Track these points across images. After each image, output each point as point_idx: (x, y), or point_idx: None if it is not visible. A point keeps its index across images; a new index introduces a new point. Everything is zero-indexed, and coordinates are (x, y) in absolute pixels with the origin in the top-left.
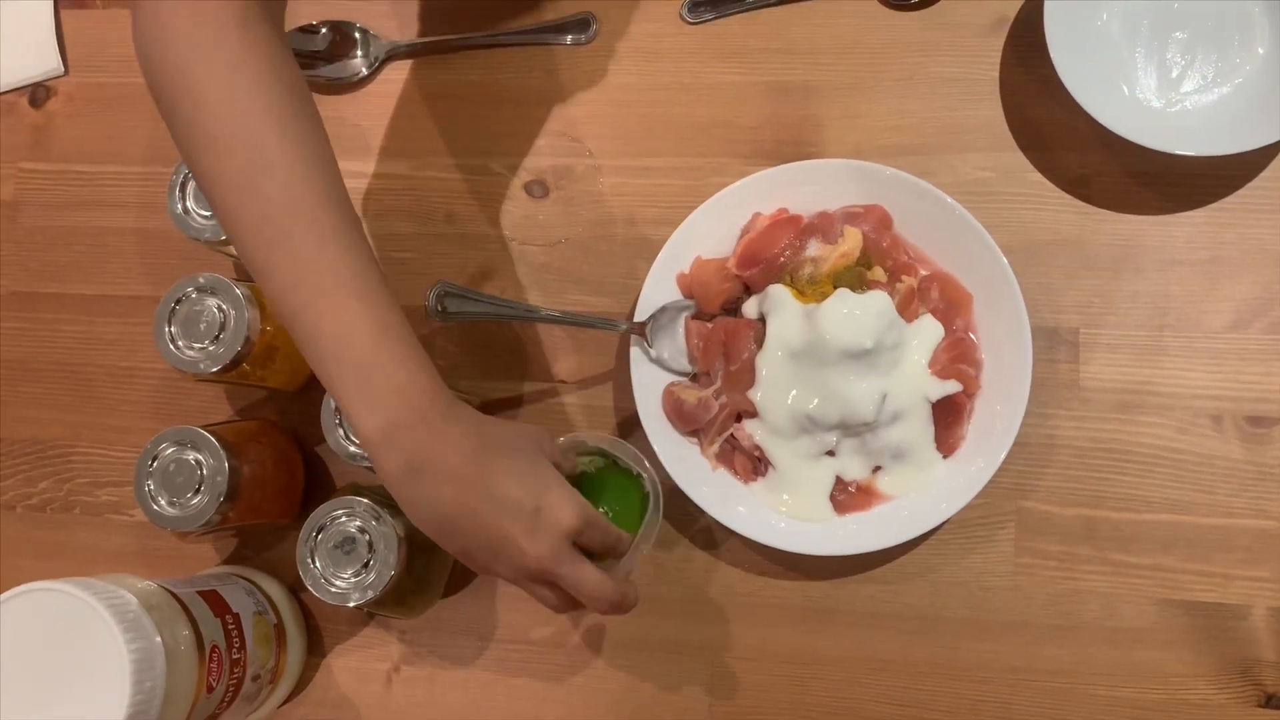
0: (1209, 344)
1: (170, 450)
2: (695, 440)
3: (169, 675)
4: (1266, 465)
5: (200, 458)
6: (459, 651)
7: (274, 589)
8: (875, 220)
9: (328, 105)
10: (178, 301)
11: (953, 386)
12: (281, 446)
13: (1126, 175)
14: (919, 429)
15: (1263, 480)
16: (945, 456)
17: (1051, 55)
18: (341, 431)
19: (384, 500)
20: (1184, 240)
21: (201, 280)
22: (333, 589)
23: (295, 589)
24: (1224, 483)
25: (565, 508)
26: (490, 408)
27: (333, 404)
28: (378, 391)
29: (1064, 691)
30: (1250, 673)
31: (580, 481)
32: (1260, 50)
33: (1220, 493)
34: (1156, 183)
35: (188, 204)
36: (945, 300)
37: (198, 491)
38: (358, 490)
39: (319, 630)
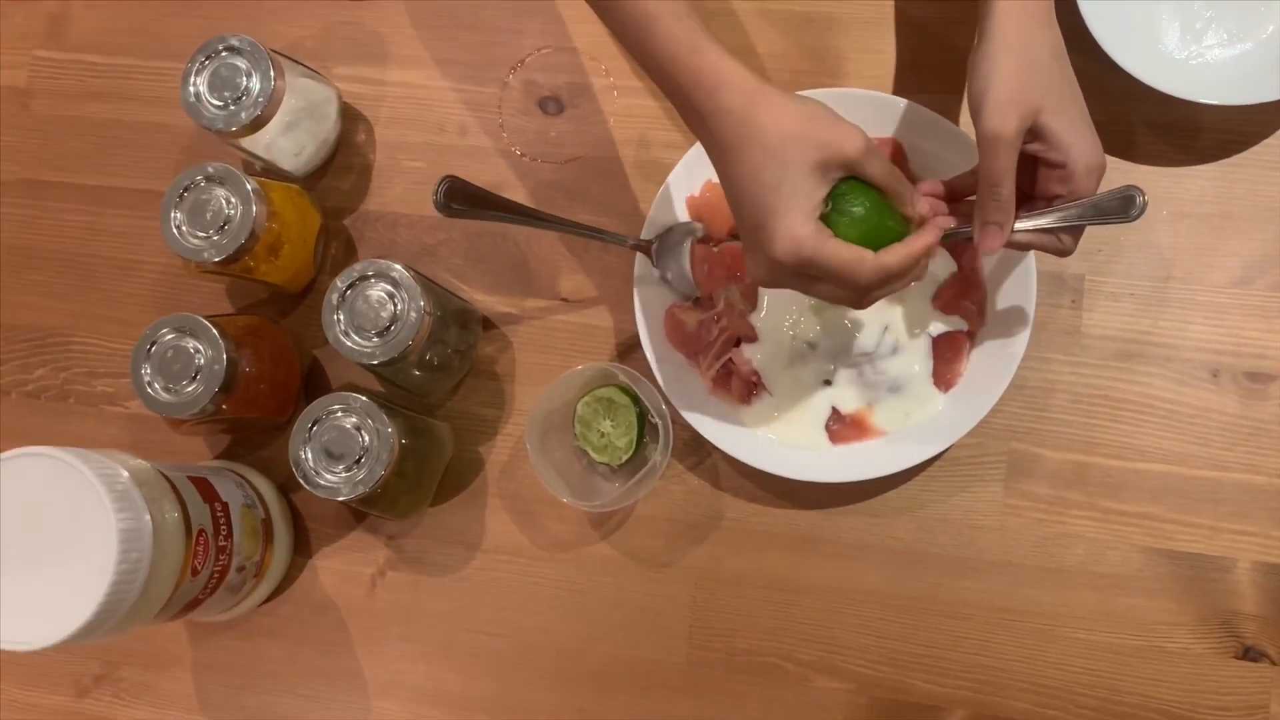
0: (1213, 298)
1: (169, 337)
2: (694, 363)
3: (155, 551)
4: (1262, 421)
5: (199, 346)
6: (445, 560)
7: (264, 486)
8: (888, 154)
9: (345, 11)
10: (186, 189)
11: (956, 323)
12: (280, 343)
13: (1143, 125)
14: (918, 363)
15: (1257, 435)
16: (942, 392)
17: (1079, 1)
18: (340, 327)
19: (381, 400)
20: (1195, 194)
21: (211, 170)
22: (323, 482)
23: (285, 489)
24: (1218, 436)
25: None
26: (492, 322)
27: (334, 298)
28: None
29: (1043, 632)
30: (1230, 624)
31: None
32: None
33: (1214, 446)
34: (1172, 134)
35: (200, 91)
36: (960, 241)
37: (194, 379)
38: (353, 388)
39: (307, 531)
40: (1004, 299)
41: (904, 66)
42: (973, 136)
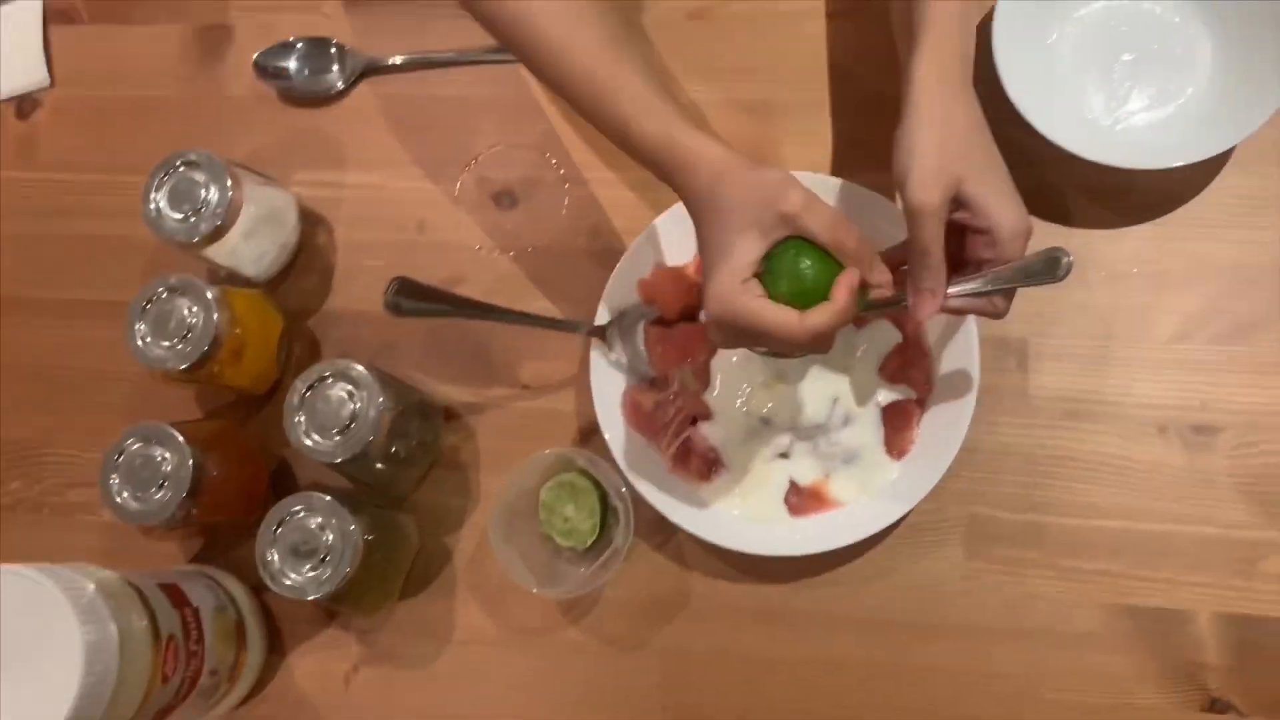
0: (1154, 354)
1: (136, 446)
2: (653, 444)
3: (122, 662)
4: (1210, 473)
5: (166, 454)
6: (418, 653)
7: (236, 588)
8: None
9: (303, 118)
10: (149, 301)
11: (904, 392)
12: (246, 446)
13: (1075, 190)
14: (869, 432)
15: (1207, 487)
16: (895, 460)
17: (1001, 75)
18: (302, 428)
19: (346, 497)
20: (1129, 254)
21: (173, 281)
22: (289, 583)
23: (258, 589)
24: (1170, 490)
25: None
26: (455, 411)
27: (295, 400)
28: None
29: (1015, 695)
30: (1195, 677)
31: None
32: (1202, 72)
33: (1166, 500)
34: (1104, 198)
35: (161, 206)
36: (897, 310)
37: (161, 487)
38: (320, 489)
39: (280, 631)
40: (949, 365)
41: (841, 146)
42: None
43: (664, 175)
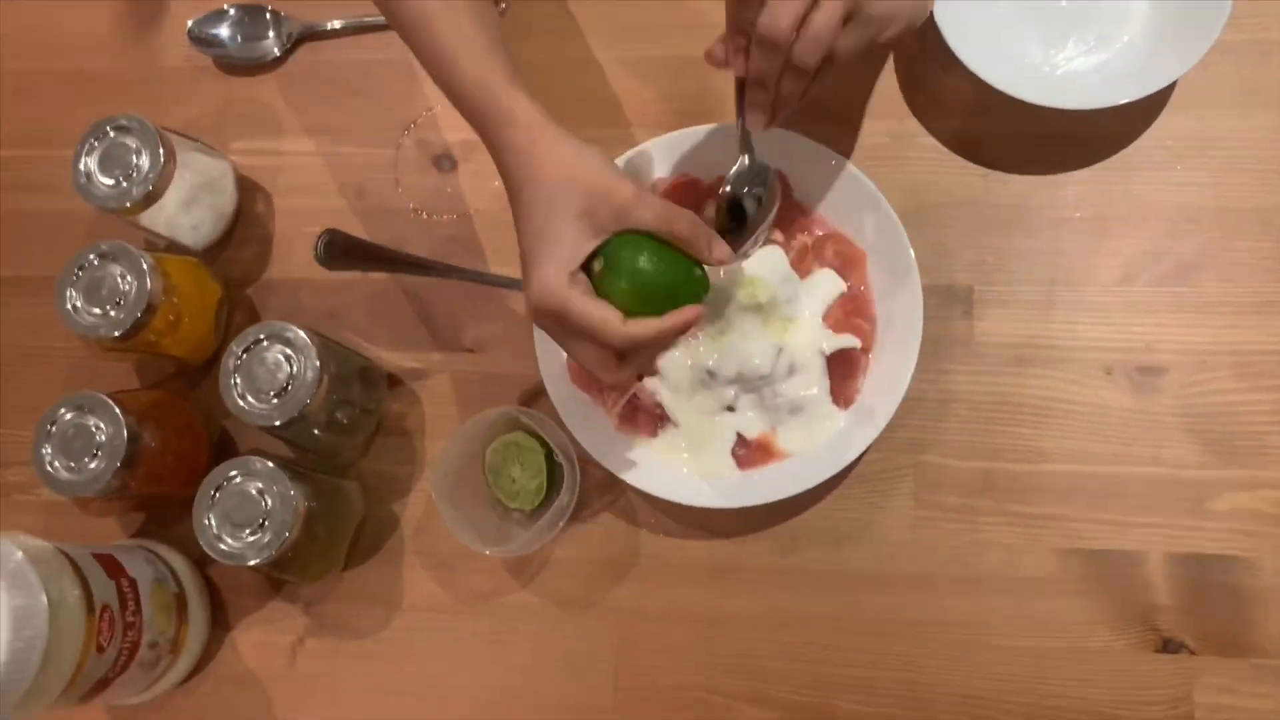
0: (1099, 298)
1: (69, 416)
2: (599, 401)
3: (52, 630)
4: (1156, 413)
5: (99, 423)
6: (365, 621)
7: (177, 561)
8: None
9: (240, 86)
10: (81, 268)
11: (849, 340)
12: (185, 416)
13: (1016, 137)
14: (815, 383)
15: (1154, 428)
16: (842, 410)
17: (939, 23)
18: (237, 390)
19: (287, 464)
20: (1073, 198)
21: (104, 248)
22: (225, 548)
23: (201, 563)
24: (1117, 432)
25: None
26: (399, 378)
27: (231, 363)
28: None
29: (967, 643)
30: (1147, 618)
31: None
32: (1138, 16)
33: (1114, 442)
34: (1045, 144)
35: (92, 171)
36: (840, 258)
37: (95, 456)
38: (259, 454)
39: (225, 605)
40: (894, 314)
41: None
42: (854, 167)
43: (480, 126)
